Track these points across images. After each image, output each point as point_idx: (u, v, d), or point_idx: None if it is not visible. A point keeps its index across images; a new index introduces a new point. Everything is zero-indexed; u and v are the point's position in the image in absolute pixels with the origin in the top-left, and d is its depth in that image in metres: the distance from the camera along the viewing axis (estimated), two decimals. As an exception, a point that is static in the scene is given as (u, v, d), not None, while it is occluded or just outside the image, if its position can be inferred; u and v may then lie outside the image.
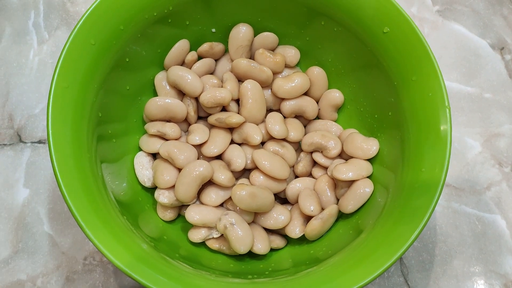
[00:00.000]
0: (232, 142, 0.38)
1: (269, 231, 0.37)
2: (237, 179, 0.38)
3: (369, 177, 0.36)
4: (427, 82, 0.32)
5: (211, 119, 0.38)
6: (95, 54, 0.32)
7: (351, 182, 0.36)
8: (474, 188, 0.43)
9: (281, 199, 0.39)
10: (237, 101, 0.39)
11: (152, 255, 0.29)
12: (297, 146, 0.40)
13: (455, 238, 0.42)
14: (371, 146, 0.37)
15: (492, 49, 0.49)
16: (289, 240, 0.38)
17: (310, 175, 0.39)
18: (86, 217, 0.28)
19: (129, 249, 0.28)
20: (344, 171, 0.36)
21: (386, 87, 0.35)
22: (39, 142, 0.44)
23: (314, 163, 0.40)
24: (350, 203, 0.36)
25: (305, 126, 0.41)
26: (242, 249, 0.34)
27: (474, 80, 0.48)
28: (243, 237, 0.34)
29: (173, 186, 0.36)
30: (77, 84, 0.31)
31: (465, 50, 0.49)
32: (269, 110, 0.40)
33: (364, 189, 0.35)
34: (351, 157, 0.37)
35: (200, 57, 0.40)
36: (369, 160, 0.37)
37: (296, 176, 0.39)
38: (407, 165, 0.32)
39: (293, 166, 0.39)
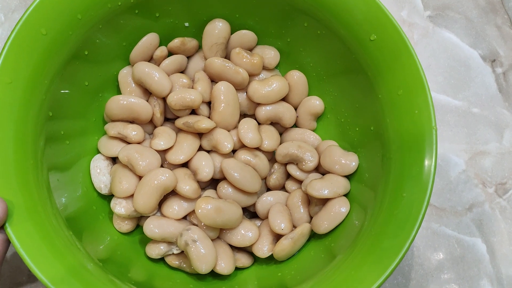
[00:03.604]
0: (200, 148, 0.36)
1: (235, 248, 0.34)
2: (203, 189, 0.36)
3: (346, 195, 0.34)
4: (414, 98, 0.31)
5: (179, 123, 0.35)
6: (47, 45, 0.29)
7: (326, 200, 0.34)
8: (455, 208, 0.41)
9: (251, 212, 0.37)
10: (209, 103, 0.37)
11: (96, 276, 0.26)
12: (271, 156, 0.38)
13: (432, 262, 0.40)
14: (350, 161, 0.34)
15: (483, 60, 0.47)
16: (256, 259, 0.35)
17: (283, 188, 0.37)
18: (19, 228, 0.26)
19: (69, 270, 0.26)
20: (319, 187, 0.33)
21: (369, 99, 0.33)
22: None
23: (288, 176, 0.37)
24: (323, 223, 0.33)
25: (281, 134, 0.39)
26: (203, 268, 0.31)
27: (462, 93, 0.45)
28: (205, 255, 0.31)
29: (132, 196, 0.33)
30: (24, 80, 0.28)
31: (454, 60, 0.47)
32: (243, 115, 0.38)
33: (340, 208, 0.33)
34: (328, 172, 0.35)
35: (170, 53, 0.38)
36: (347, 176, 0.35)
37: (268, 189, 0.37)
38: (388, 187, 0.30)
39: (265, 178, 0.37)
